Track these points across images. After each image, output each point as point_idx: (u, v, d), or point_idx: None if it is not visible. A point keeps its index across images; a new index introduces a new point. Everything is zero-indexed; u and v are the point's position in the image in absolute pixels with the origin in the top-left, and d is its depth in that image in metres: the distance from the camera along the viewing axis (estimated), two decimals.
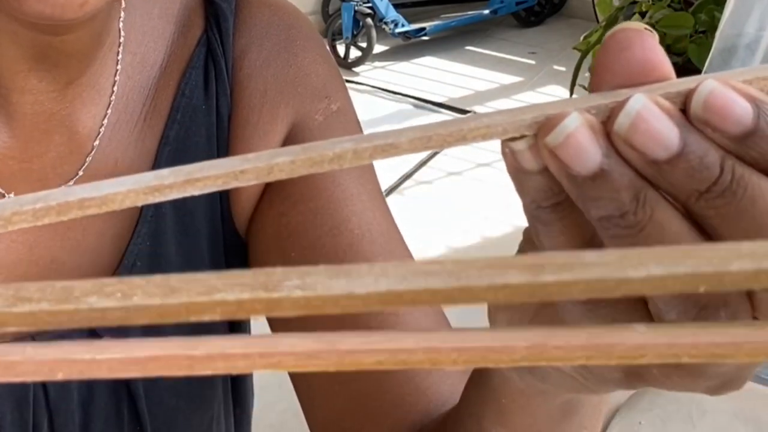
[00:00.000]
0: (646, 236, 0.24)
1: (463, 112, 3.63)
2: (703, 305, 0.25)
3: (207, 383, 0.54)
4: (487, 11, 4.22)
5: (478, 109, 3.67)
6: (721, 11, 1.53)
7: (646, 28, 0.25)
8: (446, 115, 3.63)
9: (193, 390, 0.53)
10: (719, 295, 0.24)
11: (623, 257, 0.17)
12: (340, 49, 3.99)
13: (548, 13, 4.43)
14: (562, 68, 3.86)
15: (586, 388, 0.30)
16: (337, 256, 0.50)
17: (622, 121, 0.23)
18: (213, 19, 0.53)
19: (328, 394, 0.51)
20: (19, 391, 0.47)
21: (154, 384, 0.51)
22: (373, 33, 3.92)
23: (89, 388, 0.49)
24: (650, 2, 1.89)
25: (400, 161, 3.28)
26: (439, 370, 0.50)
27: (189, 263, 0.51)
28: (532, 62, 4.07)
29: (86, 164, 0.49)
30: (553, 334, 0.17)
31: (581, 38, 1.96)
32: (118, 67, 0.50)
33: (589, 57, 1.91)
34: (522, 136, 0.25)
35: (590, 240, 0.26)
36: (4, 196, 0.47)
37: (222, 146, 0.53)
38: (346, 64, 3.97)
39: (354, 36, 3.94)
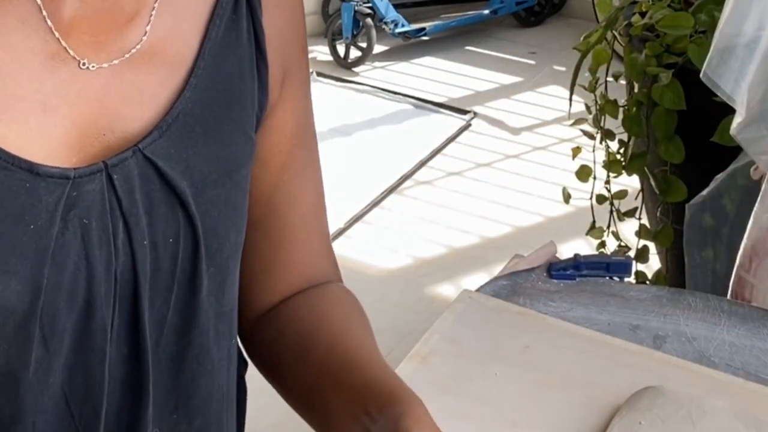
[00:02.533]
0: None
1: (464, 112, 3.63)
2: None
3: (239, 212, 0.70)
4: (487, 11, 4.22)
5: (478, 109, 3.67)
6: (721, 11, 1.53)
7: None
8: (446, 115, 3.63)
9: (228, 211, 0.68)
10: None
11: None
12: (340, 49, 3.99)
13: (548, 13, 4.43)
14: (562, 68, 3.86)
15: None
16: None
17: None
18: None
19: (253, 251, 0.76)
20: (99, 205, 0.61)
21: (199, 195, 0.65)
22: (373, 33, 3.92)
23: (150, 199, 0.63)
24: (650, 2, 1.88)
25: (400, 161, 3.28)
26: (317, 261, 0.79)
27: (219, 123, 0.67)
28: (532, 62, 4.07)
29: (142, 41, 0.63)
30: None
31: (581, 38, 1.96)
32: None
33: (589, 57, 1.91)
34: None
35: None
36: (78, 62, 0.61)
37: (260, 50, 0.69)
38: (346, 64, 3.97)
39: (354, 36, 3.94)
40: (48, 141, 0.60)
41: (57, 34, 0.60)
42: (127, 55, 0.63)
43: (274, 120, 0.73)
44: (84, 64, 0.61)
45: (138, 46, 0.63)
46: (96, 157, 0.62)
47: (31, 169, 0.59)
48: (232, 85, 0.68)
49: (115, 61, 0.62)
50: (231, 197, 0.68)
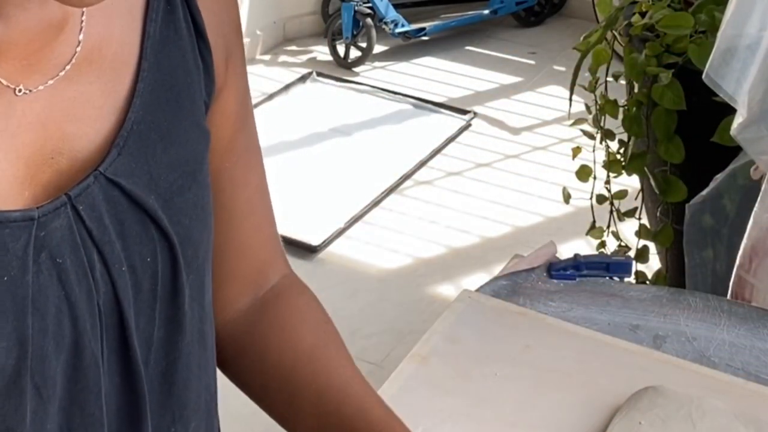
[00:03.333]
0: None
1: (464, 112, 3.63)
2: None
3: (207, 212, 0.68)
4: (487, 11, 4.22)
5: (478, 109, 3.67)
6: (721, 11, 1.53)
7: None
8: (446, 116, 3.63)
9: (198, 214, 0.66)
10: None
11: None
12: (340, 49, 3.99)
13: (548, 13, 4.43)
14: (562, 68, 3.86)
15: None
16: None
17: None
18: None
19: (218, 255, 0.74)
20: (69, 240, 0.58)
21: (168, 207, 0.63)
22: (373, 33, 3.92)
23: (120, 222, 0.60)
24: (650, 2, 1.88)
25: (400, 161, 3.28)
26: (269, 244, 0.79)
27: (173, 122, 0.64)
28: (532, 62, 4.07)
29: (76, 54, 0.59)
30: None
31: (581, 38, 1.96)
32: None
33: (589, 57, 1.91)
34: None
35: None
36: (14, 90, 0.57)
37: (201, 36, 0.66)
38: (346, 64, 3.97)
39: (354, 36, 3.94)
40: None
41: None
42: (62, 72, 0.59)
43: (219, 104, 0.70)
44: (20, 90, 0.57)
45: (73, 60, 0.59)
46: (49, 185, 0.58)
47: None
48: (179, 80, 0.65)
49: (51, 81, 0.58)
50: (199, 199, 0.66)
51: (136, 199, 0.61)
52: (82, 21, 0.60)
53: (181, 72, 0.65)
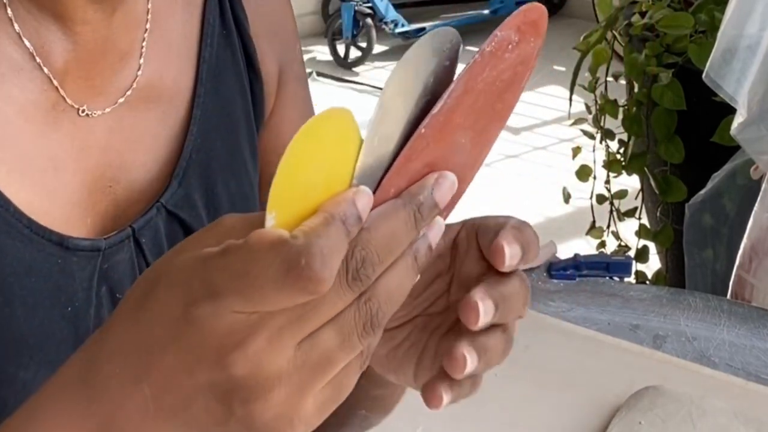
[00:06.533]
0: None
1: None
2: None
3: None
4: (487, 11, 4.23)
5: None
6: (721, 11, 1.53)
7: None
8: None
9: None
10: None
11: None
12: (340, 49, 3.99)
13: (548, 13, 4.44)
14: (562, 68, 3.86)
15: None
16: None
17: None
18: None
19: None
20: (129, 275, 0.56)
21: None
22: (373, 33, 3.92)
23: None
24: (650, 2, 1.88)
25: None
26: None
27: (232, 153, 0.63)
28: None
29: (137, 78, 0.59)
30: None
31: (581, 38, 1.96)
32: None
33: (589, 57, 1.91)
34: None
35: None
36: (77, 110, 0.56)
37: (252, 63, 0.66)
38: (346, 64, 3.97)
39: (354, 36, 3.94)
40: (64, 204, 0.55)
41: (55, 82, 0.55)
42: (121, 99, 0.58)
43: (274, 119, 0.69)
44: (83, 111, 0.56)
45: (134, 85, 0.59)
46: (107, 214, 0.57)
47: (61, 242, 0.53)
48: (237, 105, 0.64)
49: (113, 106, 0.58)
50: None
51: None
52: (142, 47, 0.60)
53: (238, 97, 0.64)
